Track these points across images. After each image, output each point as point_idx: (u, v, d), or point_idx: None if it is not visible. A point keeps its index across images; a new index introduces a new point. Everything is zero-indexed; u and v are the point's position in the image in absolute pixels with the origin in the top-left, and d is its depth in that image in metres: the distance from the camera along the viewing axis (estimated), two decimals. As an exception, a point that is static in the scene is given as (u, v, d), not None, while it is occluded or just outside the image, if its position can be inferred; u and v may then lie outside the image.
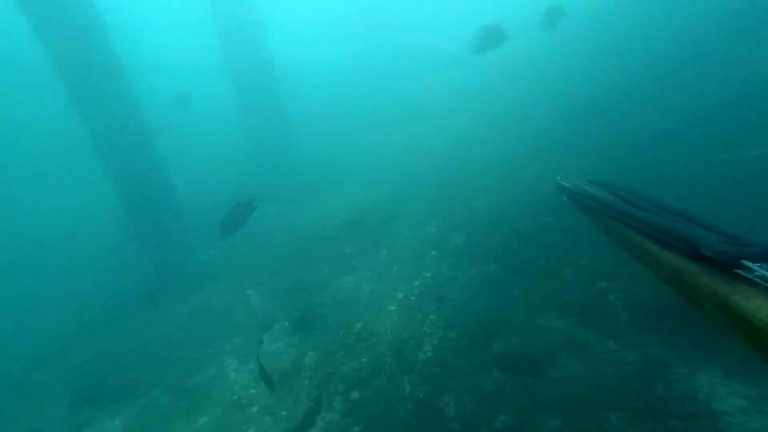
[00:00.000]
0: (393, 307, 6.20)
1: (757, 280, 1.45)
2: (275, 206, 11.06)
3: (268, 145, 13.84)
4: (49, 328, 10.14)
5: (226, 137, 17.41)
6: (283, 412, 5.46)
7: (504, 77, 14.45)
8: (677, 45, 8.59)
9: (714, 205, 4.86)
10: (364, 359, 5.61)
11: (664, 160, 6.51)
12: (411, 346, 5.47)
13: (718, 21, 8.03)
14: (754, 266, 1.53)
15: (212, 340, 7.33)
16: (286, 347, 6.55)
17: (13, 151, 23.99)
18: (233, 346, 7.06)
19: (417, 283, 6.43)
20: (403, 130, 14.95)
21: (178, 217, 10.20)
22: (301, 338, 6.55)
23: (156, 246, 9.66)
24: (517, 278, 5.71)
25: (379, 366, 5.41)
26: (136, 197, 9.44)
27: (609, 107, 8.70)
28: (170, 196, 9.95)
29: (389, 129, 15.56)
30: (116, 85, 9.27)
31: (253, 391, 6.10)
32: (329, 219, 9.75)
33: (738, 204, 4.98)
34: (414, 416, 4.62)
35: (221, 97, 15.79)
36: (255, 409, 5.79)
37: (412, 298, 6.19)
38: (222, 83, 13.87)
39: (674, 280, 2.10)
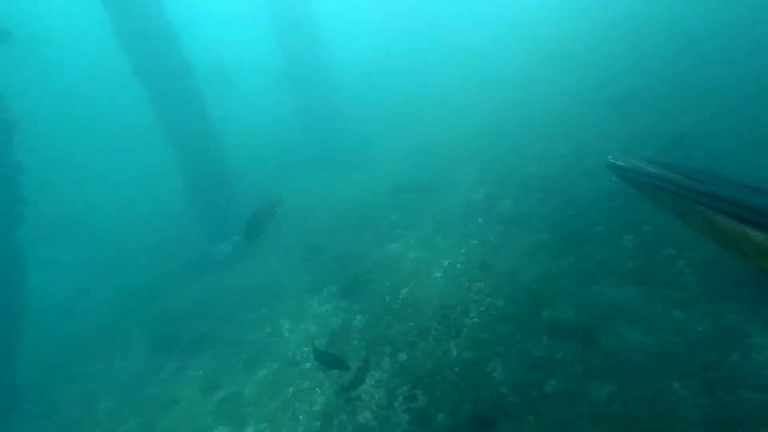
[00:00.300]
0: (438, 275, 6.22)
1: None
2: (321, 175, 11.32)
3: (315, 120, 14.02)
4: (122, 285, 11.49)
5: (279, 114, 17.81)
6: (335, 370, 5.82)
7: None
8: None
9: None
10: (410, 323, 5.76)
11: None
12: (457, 312, 5.50)
13: None
14: None
15: (266, 303, 7.89)
16: (335, 310, 6.88)
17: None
18: (286, 307, 7.55)
19: (463, 250, 6.37)
20: (454, 98, 14.43)
21: (230, 185, 10.82)
22: (348, 302, 6.84)
23: (211, 214, 10.40)
24: (571, 246, 5.44)
25: (426, 330, 5.53)
26: (196, 163, 10.18)
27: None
28: (224, 165, 10.56)
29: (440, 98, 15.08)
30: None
31: (305, 349, 6.54)
32: (373, 188, 9.81)
33: None
34: (461, 378, 4.72)
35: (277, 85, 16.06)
36: (308, 365, 6.22)
37: (458, 265, 6.16)
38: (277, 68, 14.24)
39: (750, 253, 1.86)
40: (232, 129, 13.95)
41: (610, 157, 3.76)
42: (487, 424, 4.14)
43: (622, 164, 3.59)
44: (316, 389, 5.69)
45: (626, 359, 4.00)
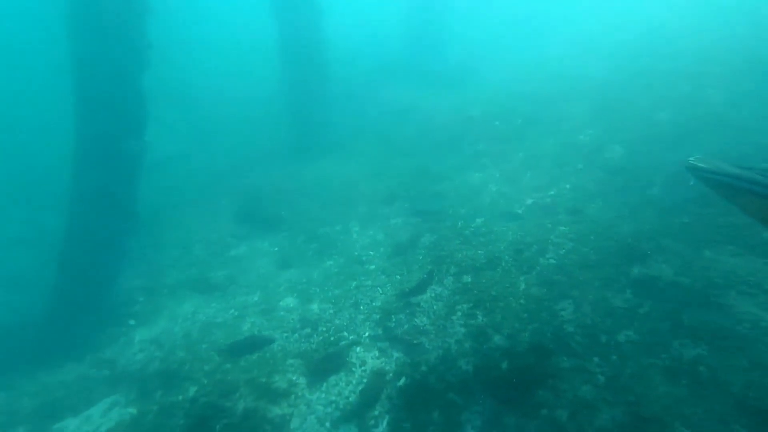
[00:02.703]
0: (519, 211, 6.00)
1: None
2: (416, 89, 10.87)
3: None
4: (219, 153, 12.70)
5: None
6: (398, 276, 6.20)
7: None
8: None
9: None
10: (480, 251, 5.78)
11: None
12: (533, 250, 5.37)
13: None
14: None
15: (340, 203, 8.36)
16: (405, 224, 7.10)
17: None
18: (358, 212, 7.95)
19: (552, 192, 5.98)
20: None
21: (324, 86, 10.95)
22: (419, 220, 6.99)
23: (303, 107, 10.76)
24: (689, 206, 4.82)
25: (495, 261, 5.54)
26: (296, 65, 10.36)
27: None
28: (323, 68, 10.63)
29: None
30: None
31: (371, 252, 6.98)
32: (466, 111, 9.28)
33: None
34: (525, 310, 4.77)
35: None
36: (373, 266, 6.69)
37: (543, 206, 5.85)
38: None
39: None
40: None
41: (691, 158, 3.31)
42: (546, 354, 4.24)
43: (703, 165, 3.20)
44: (378, 288, 6.16)
45: (730, 328, 3.69)
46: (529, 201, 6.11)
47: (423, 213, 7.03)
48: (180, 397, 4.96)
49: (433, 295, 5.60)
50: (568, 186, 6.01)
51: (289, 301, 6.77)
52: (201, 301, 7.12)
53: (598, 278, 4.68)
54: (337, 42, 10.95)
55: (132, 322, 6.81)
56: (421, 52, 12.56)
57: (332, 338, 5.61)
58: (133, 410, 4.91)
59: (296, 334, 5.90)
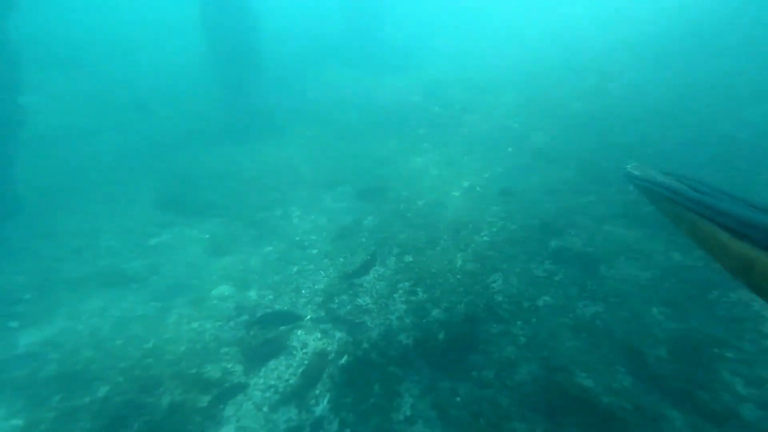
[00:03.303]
0: (457, 194, 6.32)
1: None
2: (356, 72, 10.71)
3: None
4: (134, 133, 11.21)
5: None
6: (341, 259, 6.18)
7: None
8: None
9: None
10: (421, 232, 5.99)
11: None
12: (469, 229, 5.72)
13: None
14: None
15: (279, 188, 8.02)
16: (347, 209, 7.07)
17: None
18: (299, 196, 7.71)
19: (486, 175, 6.40)
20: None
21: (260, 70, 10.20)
22: (362, 204, 7.00)
23: (235, 85, 9.95)
24: (594, 186, 5.51)
25: (435, 240, 5.79)
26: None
27: None
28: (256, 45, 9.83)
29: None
30: None
31: (313, 237, 6.84)
32: (407, 95, 9.42)
33: None
34: (461, 284, 5.08)
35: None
36: (315, 251, 6.57)
37: (478, 188, 6.24)
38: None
39: (744, 269, 1.98)
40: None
41: (628, 166, 3.83)
42: (477, 323, 4.58)
43: (638, 174, 3.75)
44: (321, 272, 6.08)
45: (619, 286, 4.33)
46: (466, 183, 6.47)
47: (366, 196, 7.07)
48: (87, 399, 4.40)
49: (376, 275, 5.68)
50: (500, 169, 6.48)
51: (224, 289, 6.36)
52: (113, 296, 6.33)
53: (524, 252, 5.16)
54: (272, 19, 10.31)
55: (14, 323, 5.75)
56: (361, 35, 12.40)
57: (272, 323, 5.42)
58: (18, 422, 4.20)
59: (232, 322, 5.59)
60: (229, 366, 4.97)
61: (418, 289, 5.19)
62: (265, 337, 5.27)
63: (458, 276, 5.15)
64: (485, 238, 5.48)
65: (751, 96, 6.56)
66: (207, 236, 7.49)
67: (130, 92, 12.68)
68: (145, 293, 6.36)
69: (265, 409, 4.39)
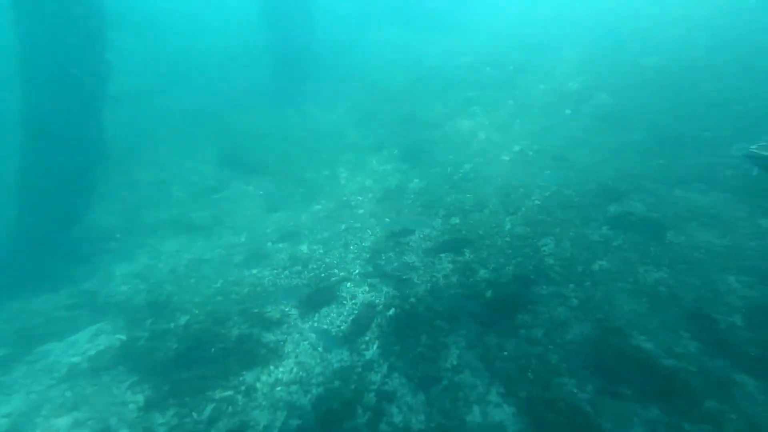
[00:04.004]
0: (507, 158, 6.14)
1: None
2: (404, 33, 10.39)
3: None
4: (198, 92, 11.88)
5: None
6: (387, 219, 6.31)
7: None
8: None
9: None
10: (468, 195, 5.94)
11: None
12: (519, 193, 5.58)
13: None
14: None
15: (327, 149, 8.21)
16: (393, 171, 7.12)
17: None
18: (346, 158, 7.86)
19: (540, 139, 6.14)
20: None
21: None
22: (408, 166, 7.02)
23: (286, 49, 10.06)
24: (666, 149, 5.11)
25: (483, 203, 5.73)
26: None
27: None
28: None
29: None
30: None
31: (360, 197, 7.01)
32: (457, 56, 9.06)
33: None
34: (510, 246, 5.04)
35: None
36: (361, 211, 6.75)
37: (530, 153, 6.01)
38: None
39: None
40: None
41: (753, 147, 3.41)
42: (527, 283, 4.57)
43: (765, 153, 3.28)
44: (368, 230, 6.27)
45: (689, 254, 4.09)
46: (517, 148, 6.25)
47: (412, 159, 7.05)
48: (172, 325, 5.02)
49: (422, 235, 5.78)
50: (555, 133, 6.17)
51: (278, 242, 6.80)
52: (185, 241, 7.00)
53: (579, 217, 4.98)
54: None
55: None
56: None
57: (323, 275, 5.74)
58: (122, 336, 4.94)
59: (287, 271, 5.99)
60: (286, 309, 5.40)
61: (465, 249, 5.23)
62: (317, 286, 5.63)
63: (507, 239, 5.12)
64: (536, 203, 5.34)
65: None
66: (261, 192, 7.92)
67: (192, 53, 13.29)
68: (211, 240, 6.96)
69: (320, 348, 4.78)
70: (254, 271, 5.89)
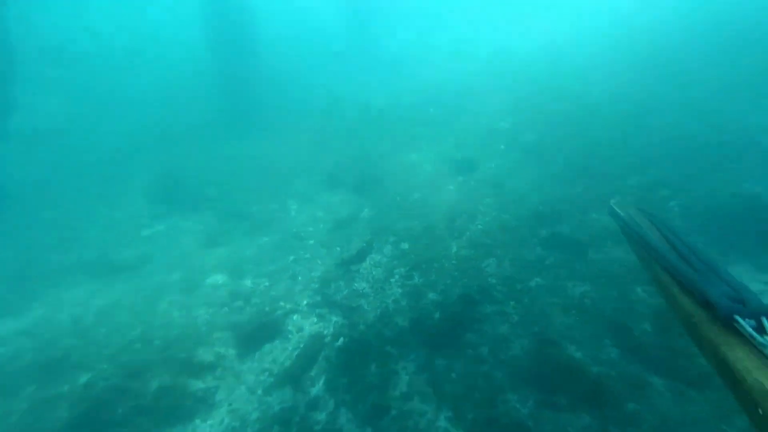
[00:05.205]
0: (452, 187, 6.52)
1: (745, 335, 1.60)
2: (354, 76, 11.01)
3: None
4: (131, 127, 11.19)
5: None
6: (337, 248, 6.25)
7: None
8: None
9: None
10: (416, 222, 6.13)
11: None
12: (463, 218, 5.88)
13: None
14: (744, 322, 1.66)
15: (276, 182, 8.10)
16: (344, 202, 7.18)
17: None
18: (296, 190, 7.79)
19: (480, 170, 6.63)
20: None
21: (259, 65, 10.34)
22: (358, 197, 7.13)
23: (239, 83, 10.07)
24: (579, 179, 5.77)
25: (431, 229, 5.93)
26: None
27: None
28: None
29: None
30: None
31: (310, 229, 6.92)
32: (402, 97, 9.70)
33: None
34: (456, 269, 5.20)
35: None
36: (311, 242, 6.63)
37: (472, 182, 6.45)
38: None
39: (687, 323, 2.29)
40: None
41: (612, 202, 3.90)
42: (472, 303, 4.69)
43: (620, 213, 3.78)
44: (317, 260, 6.13)
45: (606, 268, 4.52)
46: (460, 178, 6.69)
47: (363, 190, 7.21)
48: (65, 388, 4.30)
49: (372, 262, 5.77)
50: (493, 165, 6.73)
51: (218, 277, 6.35)
52: (100, 285, 6.25)
53: (516, 239, 5.33)
54: (273, 21, 10.58)
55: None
56: (359, 42, 12.84)
57: (267, 309, 5.43)
58: None
59: (226, 308, 5.58)
60: (221, 350, 4.95)
61: (414, 273, 5.29)
62: (260, 321, 5.27)
63: (453, 261, 5.28)
64: (479, 227, 5.65)
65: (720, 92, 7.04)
66: (201, 227, 7.49)
67: (130, 89, 12.78)
68: (135, 282, 6.30)
69: (259, 392, 4.38)
70: (186, 312, 5.41)
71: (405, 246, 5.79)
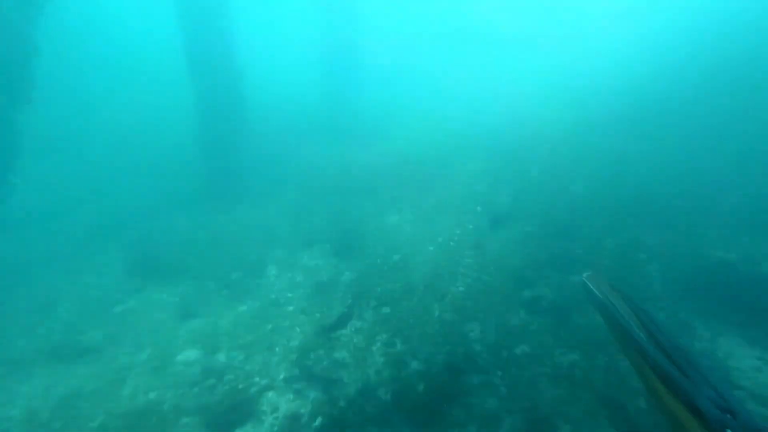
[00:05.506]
0: (431, 248, 6.60)
1: None
2: (333, 144, 11.55)
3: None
4: (112, 204, 11.13)
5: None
6: (317, 314, 6.04)
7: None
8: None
9: None
10: (398, 284, 6.07)
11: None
12: (445, 280, 5.87)
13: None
14: None
15: (256, 248, 7.99)
16: (324, 265, 7.10)
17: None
18: (275, 255, 7.69)
19: (458, 231, 6.78)
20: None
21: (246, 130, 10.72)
22: (339, 260, 7.09)
23: (220, 152, 10.33)
24: (555, 241, 5.96)
25: (412, 291, 5.86)
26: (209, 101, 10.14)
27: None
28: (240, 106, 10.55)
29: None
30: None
31: (290, 294, 6.72)
32: (381, 163, 10.12)
33: None
34: (439, 334, 5.06)
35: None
36: (291, 308, 6.40)
37: (452, 243, 6.56)
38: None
39: (672, 422, 2.33)
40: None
41: (584, 275, 3.85)
42: (457, 373, 4.49)
43: (593, 288, 3.70)
44: (296, 328, 5.87)
45: (592, 335, 4.47)
46: (440, 239, 6.81)
47: (343, 253, 7.20)
48: None
49: (353, 328, 5.57)
50: (471, 226, 6.93)
51: (190, 353, 5.94)
52: (62, 371, 5.72)
53: (498, 302, 5.30)
54: (254, 97, 11.28)
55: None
56: (336, 110, 13.66)
57: (241, 386, 5.03)
58: None
59: (196, 388, 5.13)
60: (187, 438, 4.46)
61: (397, 340, 5.10)
62: (232, 401, 4.84)
63: (436, 326, 5.15)
64: (461, 289, 5.63)
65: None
66: (177, 299, 7.17)
67: (110, 168, 13.05)
68: (99, 366, 5.80)
69: (225, 487, 3.89)
70: (152, 395, 4.96)
71: (386, 310, 5.65)
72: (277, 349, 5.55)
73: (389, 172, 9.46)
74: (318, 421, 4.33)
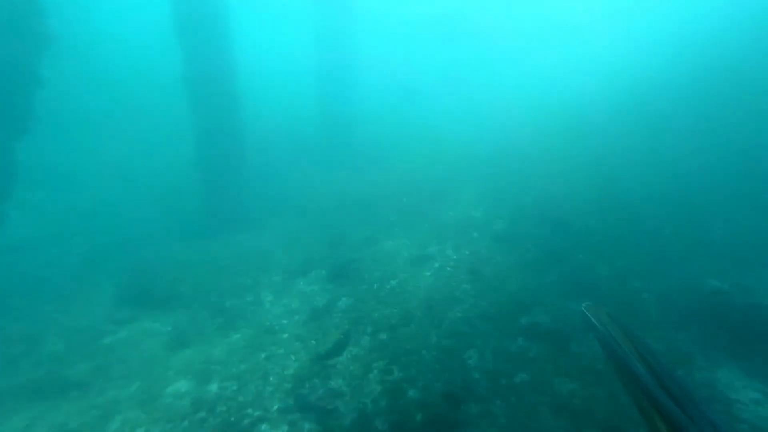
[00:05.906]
0: (428, 273, 6.60)
1: None
2: (330, 170, 11.73)
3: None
4: (105, 232, 11.08)
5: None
6: (313, 341, 5.93)
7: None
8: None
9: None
10: (394, 310, 6.02)
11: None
12: (442, 306, 5.84)
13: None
14: None
15: (252, 274, 7.94)
16: (321, 291, 7.05)
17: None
18: (271, 281, 7.63)
19: (455, 257, 6.83)
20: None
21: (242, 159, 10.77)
22: (335, 286, 7.04)
23: (217, 179, 10.35)
24: (551, 267, 6.01)
25: (409, 317, 5.81)
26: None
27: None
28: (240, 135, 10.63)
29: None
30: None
31: (285, 321, 6.62)
32: (378, 188, 10.26)
33: None
34: (437, 361, 4.97)
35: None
36: (285, 335, 6.28)
37: (449, 268, 6.58)
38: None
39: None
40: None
41: (583, 306, 3.55)
42: (456, 402, 4.38)
43: (592, 318, 3.85)
44: (291, 356, 5.74)
45: (591, 364, 4.43)
46: (437, 264, 6.83)
47: (340, 279, 7.17)
48: None
49: (349, 356, 5.45)
50: (467, 252, 6.97)
51: (181, 385, 5.75)
52: (45, 408, 5.49)
53: (496, 328, 5.26)
54: (253, 124, 11.46)
55: None
56: (334, 136, 13.87)
57: (232, 419, 4.85)
58: None
59: (186, 422, 4.94)
60: (173, 476, 4.24)
61: (393, 368, 5.00)
62: (222, 435, 4.65)
63: (433, 353, 5.07)
64: (458, 315, 5.59)
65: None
66: (169, 328, 7.03)
67: (104, 196, 13.10)
68: (85, 401, 5.58)
69: None
70: (140, 431, 4.76)
71: (383, 336, 5.57)
72: (271, 378, 5.40)
73: (386, 198, 9.56)
74: (312, 455, 4.16)
